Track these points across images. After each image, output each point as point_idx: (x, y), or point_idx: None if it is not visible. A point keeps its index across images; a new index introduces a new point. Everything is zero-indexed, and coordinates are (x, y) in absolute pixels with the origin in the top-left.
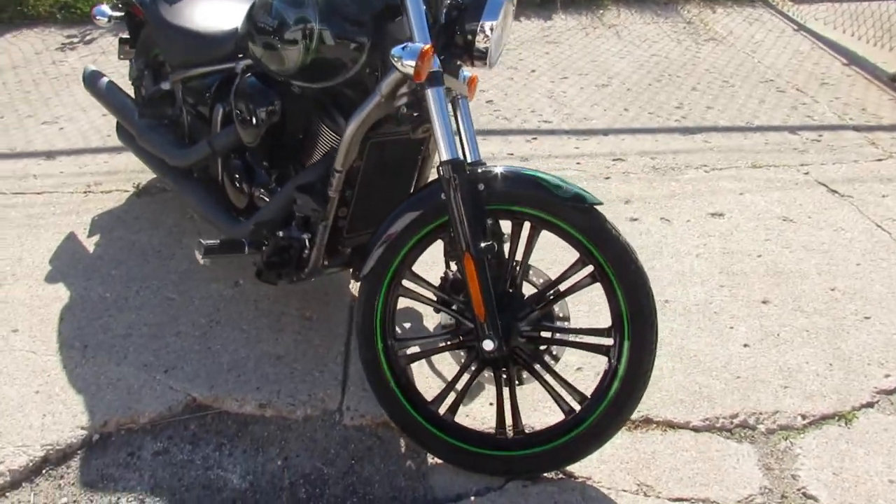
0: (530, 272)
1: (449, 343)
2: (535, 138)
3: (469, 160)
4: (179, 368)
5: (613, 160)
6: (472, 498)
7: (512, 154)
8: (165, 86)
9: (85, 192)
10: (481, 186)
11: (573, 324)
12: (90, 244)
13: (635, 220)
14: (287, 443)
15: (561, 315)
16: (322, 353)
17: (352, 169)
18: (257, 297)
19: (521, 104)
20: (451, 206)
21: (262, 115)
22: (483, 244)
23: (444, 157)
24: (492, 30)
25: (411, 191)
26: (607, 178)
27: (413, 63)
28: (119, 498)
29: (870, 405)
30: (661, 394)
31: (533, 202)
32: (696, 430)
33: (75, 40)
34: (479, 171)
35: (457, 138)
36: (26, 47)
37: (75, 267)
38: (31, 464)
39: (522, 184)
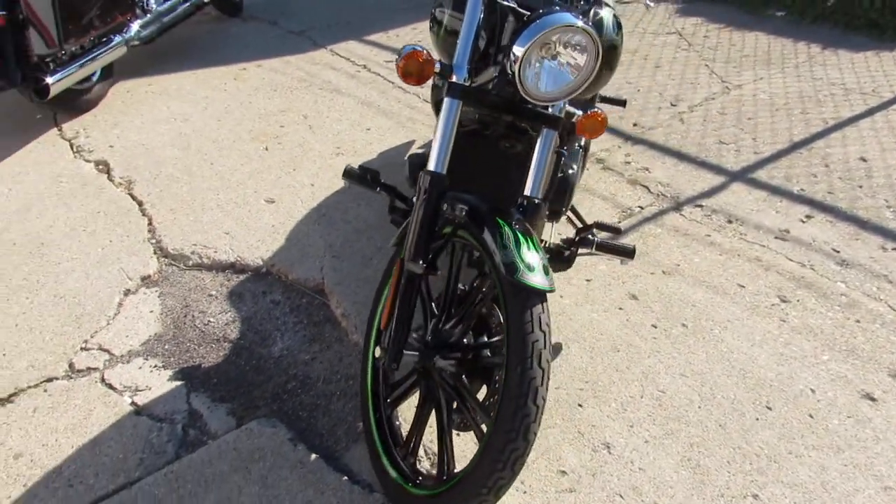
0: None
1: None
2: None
3: (527, 193)
4: (339, 259)
5: None
6: (351, 482)
7: (758, 227)
8: None
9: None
10: (462, 211)
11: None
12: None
13: (870, 399)
14: (327, 350)
15: (497, 379)
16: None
17: None
18: None
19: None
20: (414, 212)
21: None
22: (421, 263)
23: (430, 167)
24: (528, 55)
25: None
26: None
27: (399, 63)
28: (226, 310)
29: None
30: None
31: (480, 244)
32: None
33: None
34: (467, 196)
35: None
36: None
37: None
38: (225, 262)
39: (485, 224)
